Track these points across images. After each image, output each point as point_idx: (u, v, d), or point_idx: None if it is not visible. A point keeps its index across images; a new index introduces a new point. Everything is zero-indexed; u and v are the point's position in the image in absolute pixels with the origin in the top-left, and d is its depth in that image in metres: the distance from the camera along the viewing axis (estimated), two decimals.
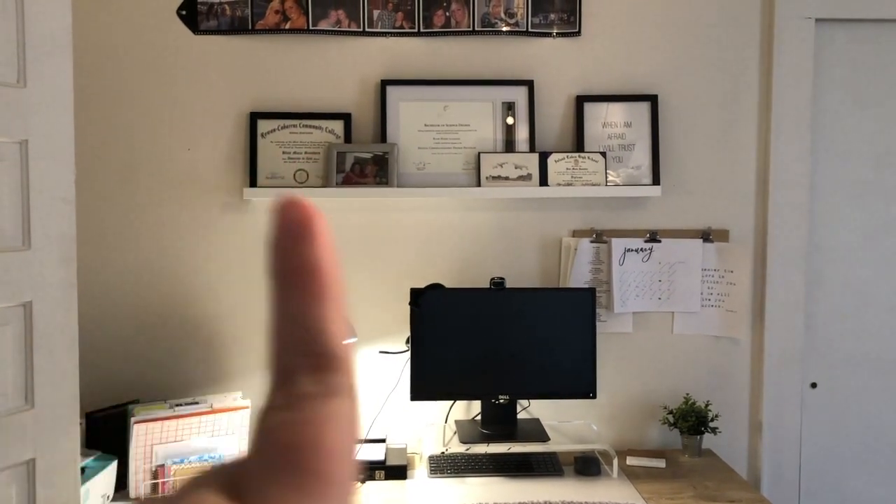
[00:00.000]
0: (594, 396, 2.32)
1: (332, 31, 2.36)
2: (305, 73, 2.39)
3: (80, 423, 2.11)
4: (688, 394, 2.50)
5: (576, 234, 2.47)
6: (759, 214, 2.51)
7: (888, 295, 2.60)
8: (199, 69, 2.36)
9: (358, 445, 0.33)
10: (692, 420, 2.38)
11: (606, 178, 2.40)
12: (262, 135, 2.35)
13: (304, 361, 0.33)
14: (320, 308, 0.33)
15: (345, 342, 0.33)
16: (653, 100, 2.44)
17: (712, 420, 2.42)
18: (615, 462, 2.22)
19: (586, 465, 2.23)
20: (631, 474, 2.25)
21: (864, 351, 2.61)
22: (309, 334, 0.33)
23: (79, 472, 1.58)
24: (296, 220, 0.33)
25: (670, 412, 2.44)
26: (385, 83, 2.38)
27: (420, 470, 2.27)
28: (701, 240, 2.48)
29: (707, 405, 2.43)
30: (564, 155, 2.38)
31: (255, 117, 2.35)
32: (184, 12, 2.33)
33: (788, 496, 2.54)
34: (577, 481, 2.18)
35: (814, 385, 2.60)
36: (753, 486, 2.39)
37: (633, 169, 2.44)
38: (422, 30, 2.37)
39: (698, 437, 2.39)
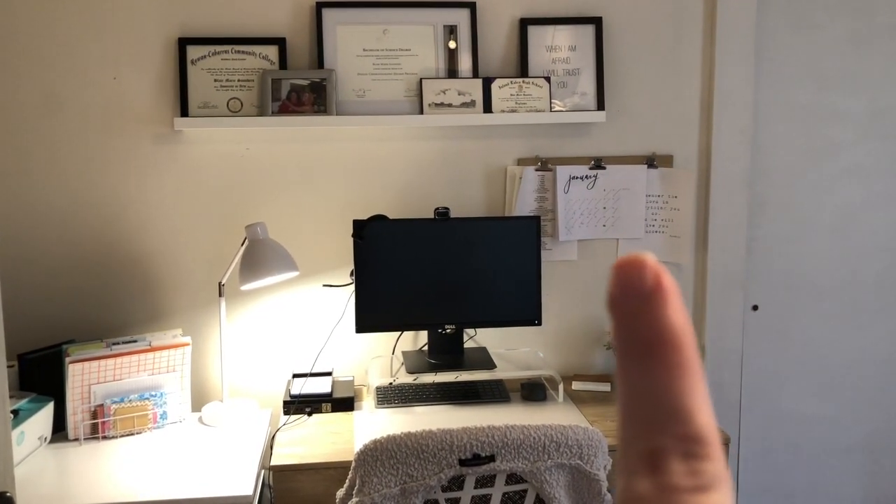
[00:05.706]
0: (539, 324, 2.32)
1: None
2: None
3: (13, 366, 2.06)
4: None
5: (521, 162, 2.44)
6: (703, 139, 2.50)
7: (829, 218, 2.64)
8: None
9: None
10: None
11: (551, 104, 2.35)
12: (192, 61, 2.23)
13: (674, 446, 0.29)
14: (684, 383, 0.29)
15: (714, 424, 0.30)
16: (597, 22, 2.38)
17: None
18: (560, 387, 2.24)
19: (532, 391, 2.25)
20: (576, 398, 2.28)
21: (804, 273, 2.66)
22: (676, 414, 0.29)
23: (8, 414, 1.52)
24: (645, 283, 0.30)
25: None
26: (321, 5, 2.27)
27: (367, 401, 2.26)
28: (645, 165, 2.47)
29: None
30: (508, 80, 2.32)
31: (184, 43, 2.23)
32: None
33: (730, 416, 2.61)
34: (524, 406, 2.20)
35: (755, 307, 2.65)
36: None
37: (578, 96, 2.39)
38: None
39: None
